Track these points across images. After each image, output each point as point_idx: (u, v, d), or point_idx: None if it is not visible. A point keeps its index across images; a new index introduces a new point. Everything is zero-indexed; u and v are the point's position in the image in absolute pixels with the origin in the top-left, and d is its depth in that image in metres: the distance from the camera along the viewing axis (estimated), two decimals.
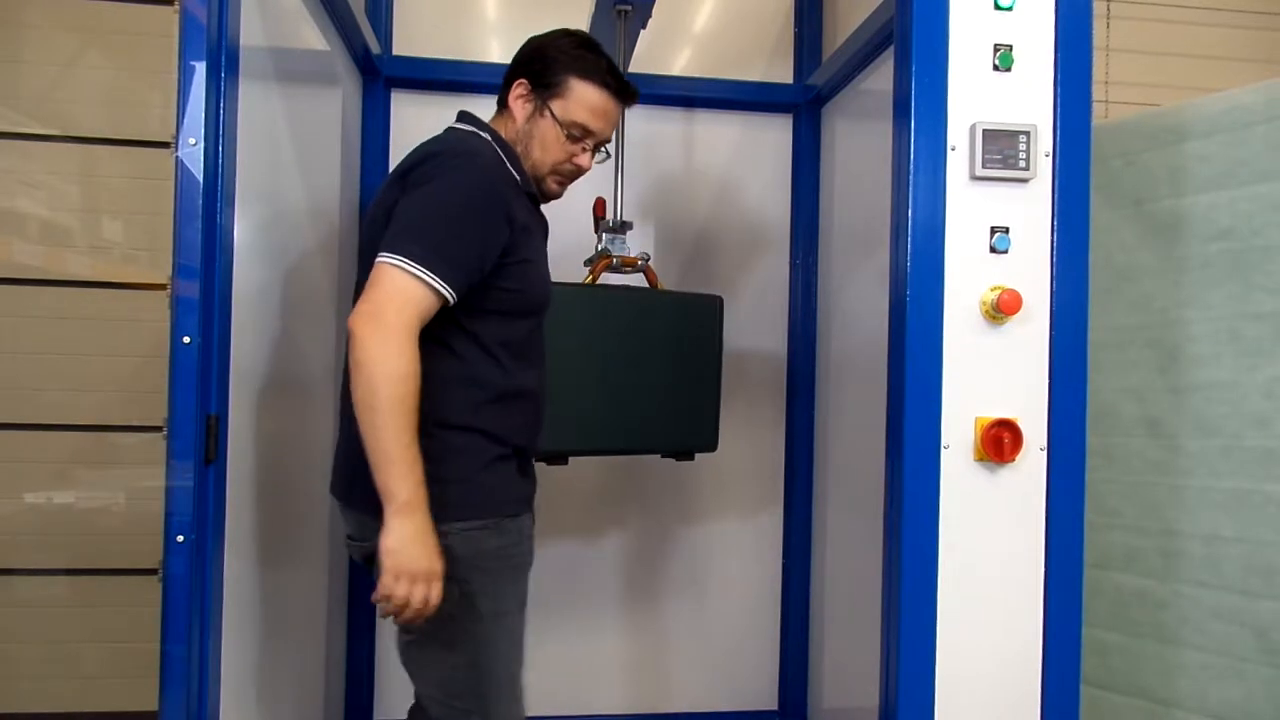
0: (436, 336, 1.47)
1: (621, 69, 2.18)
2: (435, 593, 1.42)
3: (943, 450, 1.60)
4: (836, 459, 2.48)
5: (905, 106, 1.62)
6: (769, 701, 2.72)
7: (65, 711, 2.93)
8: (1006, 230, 1.62)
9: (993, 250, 1.62)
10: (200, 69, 1.34)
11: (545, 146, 1.62)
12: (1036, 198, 1.63)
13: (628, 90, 1.67)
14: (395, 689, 2.52)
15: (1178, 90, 3.32)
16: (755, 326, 2.67)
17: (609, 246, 2.18)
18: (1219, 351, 1.94)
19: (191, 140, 1.34)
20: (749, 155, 2.69)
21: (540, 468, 1.75)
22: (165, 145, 2.28)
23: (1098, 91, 1.71)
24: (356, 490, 1.51)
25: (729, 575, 2.70)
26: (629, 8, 2.14)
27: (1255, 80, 1.95)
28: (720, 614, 2.70)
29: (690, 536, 2.69)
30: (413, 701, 1.66)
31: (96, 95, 3.00)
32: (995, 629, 1.61)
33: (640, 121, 2.49)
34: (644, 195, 2.60)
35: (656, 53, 2.62)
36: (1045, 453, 1.62)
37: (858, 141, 2.39)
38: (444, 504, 1.45)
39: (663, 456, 2.22)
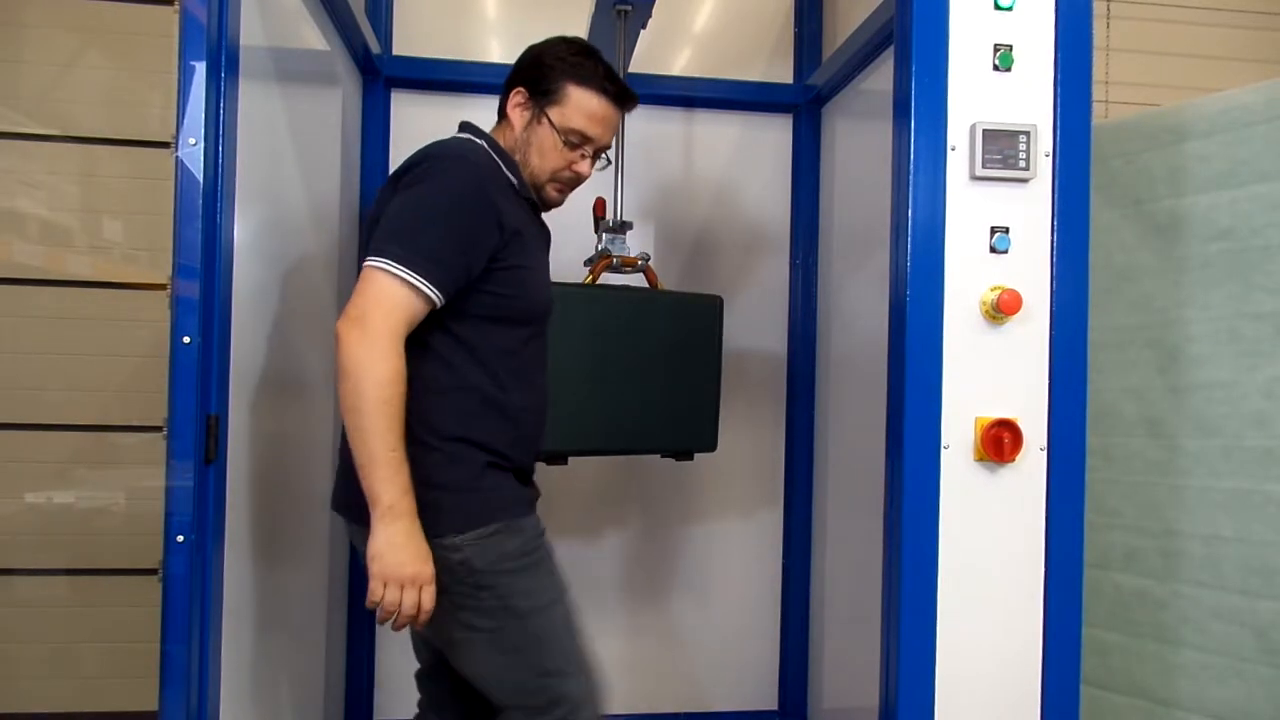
0: (426, 342, 1.46)
1: (621, 69, 2.19)
2: (427, 597, 1.40)
3: (943, 450, 1.60)
4: (836, 459, 2.48)
5: (905, 106, 1.62)
6: (769, 701, 2.72)
7: (65, 711, 2.93)
8: (1006, 230, 1.62)
9: (993, 250, 1.62)
10: (200, 69, 1.34)
11: (543, 154, 1.61)
12: (1036, 198, 1.63)
13: (627, 96, 1.66)
14: (395, 689, 2.52)
15: (1178, 90, 3.32)
16: (755, 326, 2.67)
17: (609, 246, 2.18)
18: (1219, 351, 1.94)
19: (191, 140, 1.34)
20: (749, 155, 2.69)
21: (540, 468, 1.74)
22: (165, 145, 2.28)
23: (1098, 91, 1.71)
24: (354, 503, 1.49)
25: (729, 575, 2.70)
26: (629, 8, 2.14)
27: (1255, 80, 1.95)
28: (720, 614, 2.70)
29: (690, 536, 2.69)
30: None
31: (96, 95, 3.00)
32: (995, 629, 1.61)
33: (640, 122, 2.49)
34: (644, 195, 2.60)
35: (656, 53, 2.62)
36: (1045, 453, 1.62)
37: (858, 141, 2.39)
38: (450, 514, 1.45)
39: (662, 456, 2.22)
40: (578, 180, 1.67)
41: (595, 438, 2.06)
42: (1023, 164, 1.61)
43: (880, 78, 2.16)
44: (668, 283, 2.53)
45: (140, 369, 2.97)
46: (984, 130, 1.60)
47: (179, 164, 1.34)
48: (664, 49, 2.65)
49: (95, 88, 3.00)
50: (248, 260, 1.55)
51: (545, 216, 1.71)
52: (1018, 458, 1.60)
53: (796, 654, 2.65)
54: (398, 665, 2.52)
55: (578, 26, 2.27)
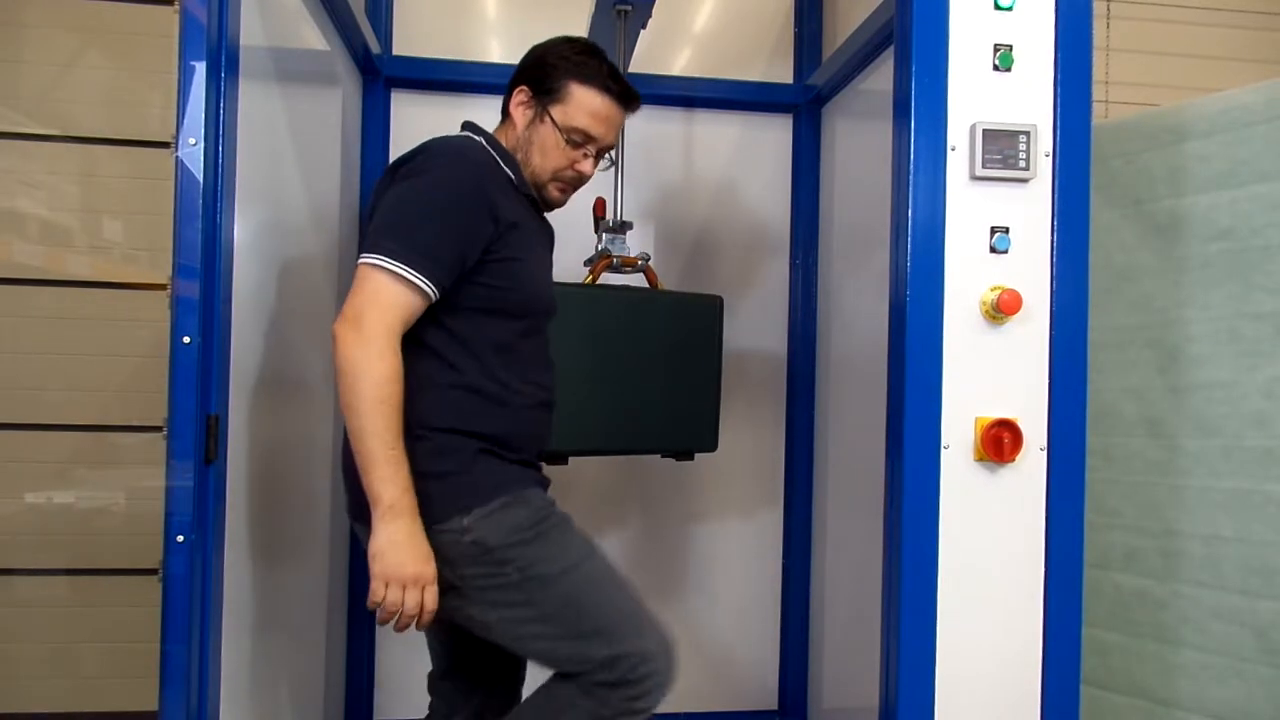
0: (419, 337, 1.46)
1: (621, 69, 2.18)
2: (429, 598, 1.39)
3: (943, 450, 1.60)
4: (836, 459, 2.48)
5: (905, 106, 1.62)
6: (769, 701, 2.72)
7: (65, 711, 2.93)
8: (1006, 230, 1.62)
9: (993, 250, 1.62)
10: (200, 69, 1.34)
11: (545, 152, 1.60)
12: (1036, 198, 1.63)
13: (630, 95, 1.64)
14: (395, 689, 2.52)
15: (1178, 90, 3.32)
16: (755, 326, 2.67)
17: (609, 246, 2.18)
18: (1219, 351, 1.94)
19: (191, 140, 1.34)
20: (749, 155, 2.69)
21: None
22: (165, 145, 2.28)
23: (1098, 91, 1.71)
24: (357, 502, 1.49)
25: (729, 575, 2.70)
26: (629, 8, 2.14)
27: (1255, 80, 1.95)
28: (720, 614, 2.70)
29: (690, 536, 2.69)
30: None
31: (96, 95, 3.00)
32: (995, 629, 1.61)
33: (640, 122, 2.48)
34: (644, 195, 2.60)
35: (656, 53, 2.62)
36: (1045, 453, 1.62)
37: (858, 141, 2.39)
38: (450, 498, 1.43)
39: (663, 457, 2.22)
40: (580, 180, 1.66)
41: (595, 438, 2.06)
42: (1023, 164, 1.61)
43: (880, 78, 2.16)
44: (668, 283, 2.53)
45: (140, 369, 2.97)
46: (984, 130, 1.60)
47: (179, 164, 1.34)
48: (664, 49, 2.65)
49: (95, 88, 3.00)
50: (248, 260, 1.55)
51: (549, 216, 1.71)
52: (1018, 458, 1.60)
53: (796, 654, 2.65)
54: (398, 665, 2.52)
55: (578, 26, 2.27)
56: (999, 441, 1.59)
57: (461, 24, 2.61)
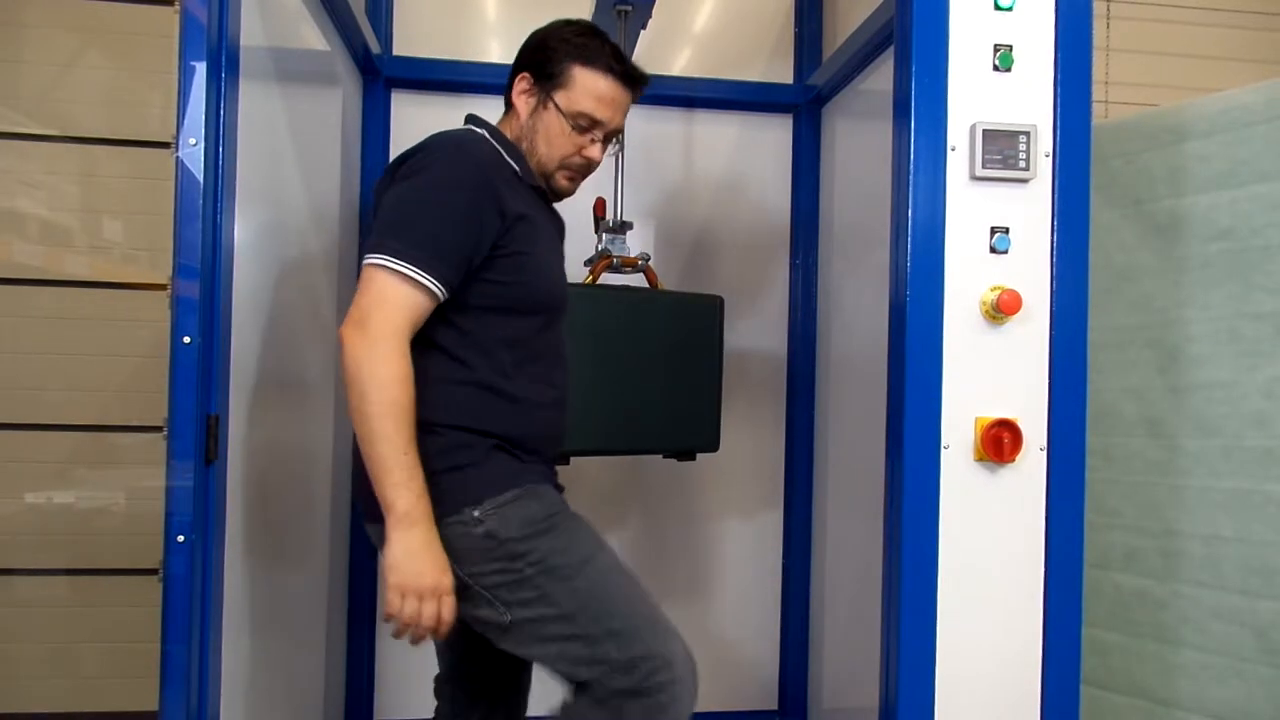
0: (428, 336, 1.42)
1: None
2: (447, 609, 1.35)
3: (943, 450, 1.60)
4: (836, 459, 2.48)
5: (905, 106, 1.62)
6: (769, 701, 2.72)
7: (65, 711, 2.93)
8: (1006, 230, 1.62)
9: (993, 250, 1.62)
10: (200, 69, 1.34)
11: (551, 140, 1.55)
12: (1036, 198, 1.63)
13: (635, 76, 1.58)
14: (395, 689, 2.52)
15: (1178, 90, 3.32)
16: (755, 326, 2.67)
17: (609, 246, 2.18)
18: (1219, 351, 1.94)
19: (191, 140, 1.34)
20: (749, 155, 2.69)
21: None
22: (165, 145, 2.28)
23: (1098, 91, 1.71)
24: (360, 499, 1.48)
25: (729, 575, 2.71)
26: (629, 8, 2.14)
27: (1255, 80, 1.95)
28: (720, 614, 2.70)
29: (690, 536, 2.69)
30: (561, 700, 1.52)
31: (96, 95, 3.00)
32: (995, 629, 1.61)
33: (640, 122, 2.49)
34: (644, 195, 2.60)
35: (656, 53, 2.62)
36: (1045, 453, 1.62)
37: (858, 141, 2.39)
38: (461, 490, 1.40)
39: (664, 457, 2.22)
40: (588, 167, 1.61)
41: (597, 438, 2.06)
42: (1023, 164, 1.61)
43: (880, 78, 2.16)
44: (668, 283, 2.53)
45: (140, 369, 2.97)
46: (984, 130, 1.60)
47: (179, 164, 1.34)
48: (664, 49, 2.65)
49: (95, 88, 3.00)
50: (248, 260, 1.55)
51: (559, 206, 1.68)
52: (1018, 458, 1.60)
53: (796, 654, 2.65)
54: (398, 665, 2.52)
55: None
56: (999, 441, 1.59)
57: (461, 24, 2.61)
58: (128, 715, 2.89)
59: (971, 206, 1.62)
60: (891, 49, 1.76)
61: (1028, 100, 1.64)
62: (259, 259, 1.64)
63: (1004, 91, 1.63)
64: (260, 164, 1.61)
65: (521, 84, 1.59)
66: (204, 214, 1.34)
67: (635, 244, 2.28)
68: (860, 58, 2.24)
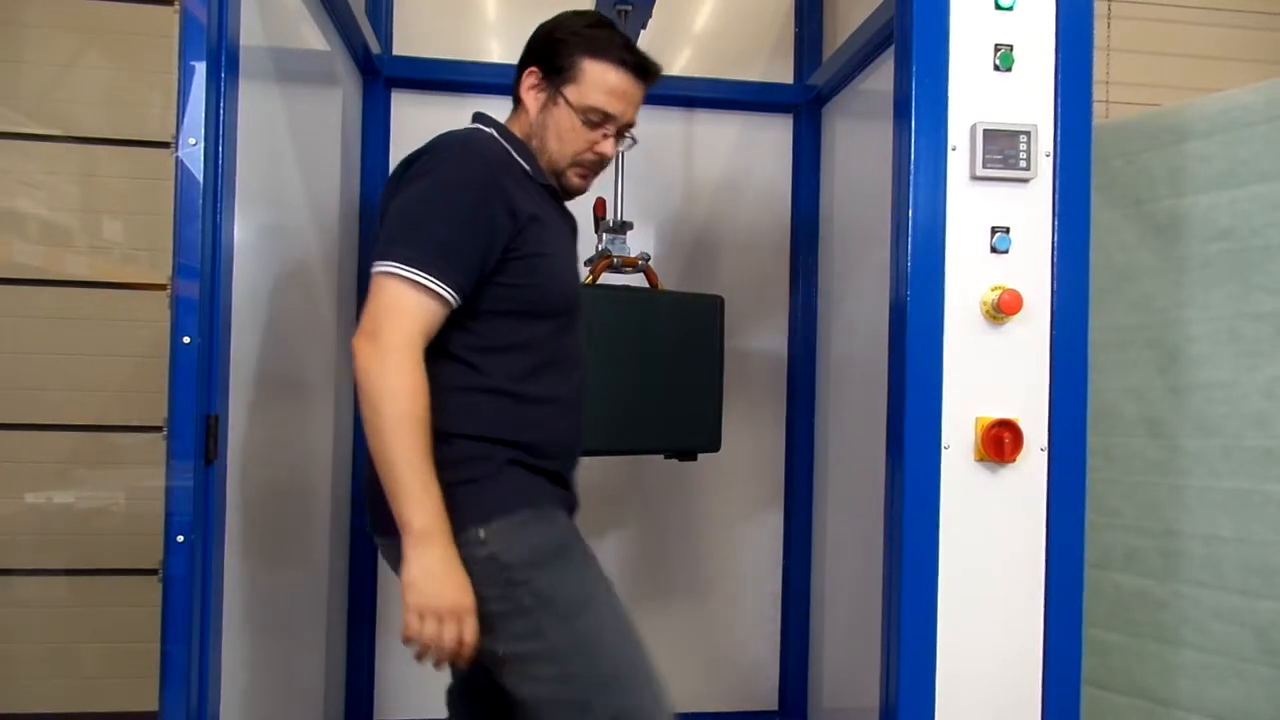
0: (440, 343, 1.37)
1: None
2: (469, 630, 1.29)
3: (943, 450, 1.60)
4: (836, 459, 2.47)
5: (905, 106, 1.62)
6: (769, 701, 2.72)
7: (65, 711, 2.93)
8: (1007, 230, 1.62)
9: (993, 250, 1.62)
10: (200, 69, 1.34)
11: (562, 136, 1.50)
12: (1037, 198, 1.63)
13: (647, 67, 1.52)
14: (395, 689, 2.52)
15: (1178, 90, 3.32)
16: (755, 326, 2.67)
17: (609, 247, 2.18)
18: (1219, 351, 1.94)
19: (191, 140, 1.34)
20: (749, 155, 2.69)
21: None
22: (165, 145, 2.28)
23: (1098, 91, 1.70)
24: (371, 511, 1.44)
25: (729, 575, 2.70)
26: (629, 8, 2.14)
27: (1255, 80, 1.95)
28: (720, 614, 2.70)
29: (690, 536, 2.69)
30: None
31: (96, 95, 3.00)
32: (996, 629, 1.61)
33: (640, 121, 2.47)
34: (644, 195, 2.60)
35: (656, 53, 2.57)
36: (1046, 453, 1.62)
37: (858, 141, 2.39)
38: (469, 506, 1.34)
39: (665, 457, 2.22)
40: (601, 163, 1.55)
41: (598, 438, 2.05)
42: (1023, 164, 1.61)
43: (880, 78, 2.16)
44: (668, 283, 2.53)
45: (140, 369, 2.97)
46: (984, 130, 1.60)
47: (179, 164, 1.34)
48: (664, 49, 2.65)
49: (95, 88, 3.00)
50: (248, 260, 1.55)
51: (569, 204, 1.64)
52: (1018, 458, 1.60)
53: (796, 654, 2.65)
54: (398, 665, 2.52)
55: None
56: (999, 441, 1.58)
57: (461, 24, 2.60)
58: (128, 715, 2.89)
59: (972, 206, 1.62)
60: (891, 49, 1.76)
61: (1028, 100, 1.64)
62: (259, 259, 1.64)
63: (1004, 91, 1.63)
64: (260, 164, 1.61)
65: (529, 79, 1.53)
66: (204, 214, 1.34)
67: (635, 244, 2.28)
68: (860, 58, 2.24)
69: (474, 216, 1.36)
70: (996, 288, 1.59)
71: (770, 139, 2.69)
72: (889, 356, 1.67)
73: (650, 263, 2.24)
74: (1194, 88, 3.11)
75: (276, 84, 1.71)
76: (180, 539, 1.33)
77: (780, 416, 2.70)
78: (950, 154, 1.61)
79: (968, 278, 1.61)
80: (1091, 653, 2.04)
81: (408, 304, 1.31)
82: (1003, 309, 1.57)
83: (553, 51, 1.51)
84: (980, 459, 1.60)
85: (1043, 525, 1.62)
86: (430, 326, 1.33)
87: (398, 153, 2.48)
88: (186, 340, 1.34)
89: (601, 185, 2.12)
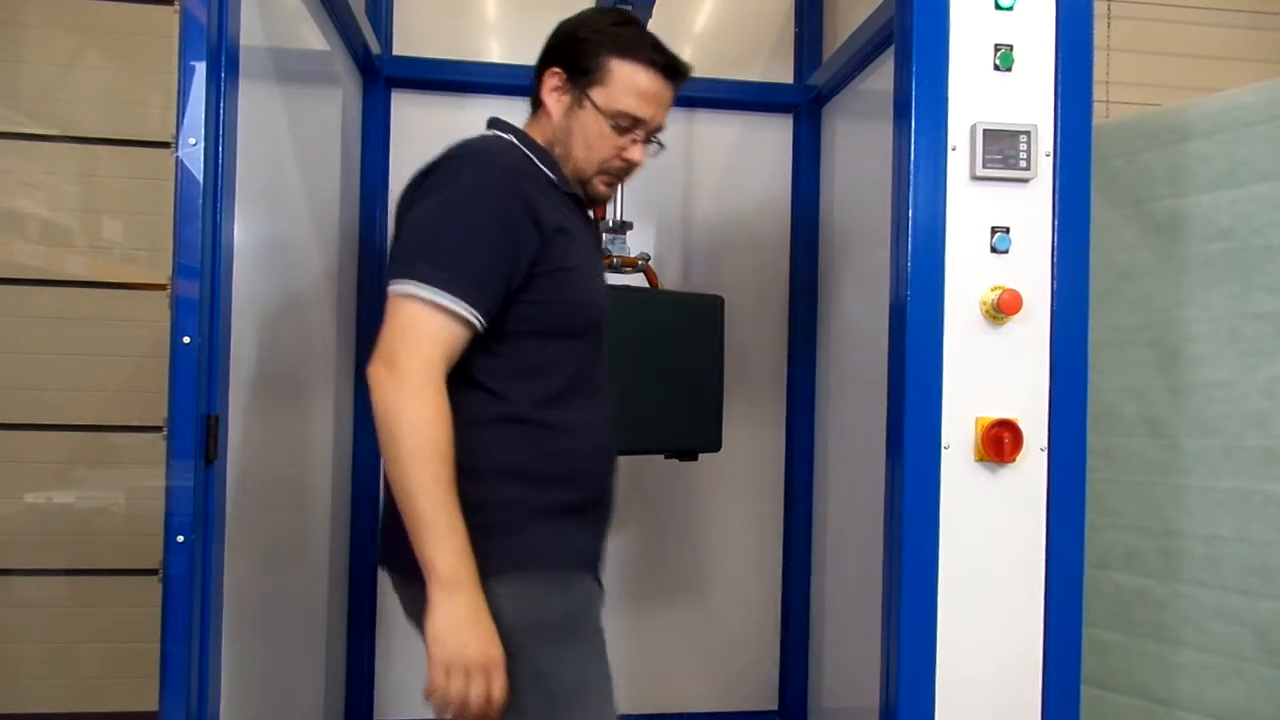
0: (462, 367, 1.28)
1: None
2: (497, 686, 1.20)
3: (943, 450, 1.60)
4: (836, 459, 2.47)
5: (905, 106, 1.62)
6: (769, 701, 2.72)
7: (65, 711, 2.93)
8: (1007, 230, 1.62)
9: (993, 250, 1.62)
10: (200, 69, 1.34)
11: (589, 142, 1.40)
12: (1037, 198, 1.63)
13: (678, 67, 1.42)
14: (395, 690, 2.52)
15: (1178, 90, 3.32)
16: (755, 326, 2.67)
17: (609, 246, 2.18)
18: (1219, 351, 1.94)
19: (191, 140, 1.34)
20: (749, 155, 2.69)
21: None
22: (165, 145, 2.28)
23: (1098, 91, 1.70)
24: (385, 546, 1.36)
25: (729, 575, 2.70)
26: (629, 7, 2.14)
27: (1255, 80, 1.95)
28: (720, 614, 2.70)
29: (690, 536, 2.69)
30: None
31: (96, 95, 3.00)
32: (996, 629, 1.61)
33: None
34: (644, 195, 2.60)
35: None
36: (1046, 453, 1.62)
37: (858, 141, 2.39)
38: (488, 554, 1.24)
39: (666, 457, 2.22)
40: (629, 169, 1.45)
41: None
42: (1023, 164, 1.61)
43: (880, 78, 2.16)
44: (668, 283, 2.53)
45: (140, 369, 2.97)
46: (984, 130, 1.60)
47: (179, 164, 1.34)
48: None
49: (95, 88, 3.00)
50: (248, 260, 1.55)
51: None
52: (1018, 458, 1.60)
53: (796, 654, 2.65)
54: (398, 665, 2.52)
55: None
56: (999, 442, 1.58)
57: (461, 24, 2.60)
58: (128, 715, 2.89)
59: (972, 206, 1.62)
60: (891, 49, 1.76)
61: (1028, 100, 1.64)
62: (259, 259, 1.64)
63: (1004, 91, 1.63)
64: (260, 164, 1.60)
65: (552, 80, 1.42)
66: (204, 214, 1.34)
67: (635, 244, 2.28)
68: (860, 58, 2.24)
69: (497, 230, 1.26)
70: (996, 288, 1.59)
71: (770, 139, 2.69)
72: (889, 356, 1.67)
73: (650, 263, 2.24)
74: (1194, 88, 3.11)
75: (276, 84, 1.71)
76: (180, 539, 1.32)
77: (780, 416, 2.70)
78: (950, 154, 1.61)
79: (968, 278, 1.61)
80: (1091, 653, 2.04)
81: (427, 327, 1.21)
82: (1003, 309, 1.57)
83: (577, 51, 1.40)
84: (980, 459, 1.60)
85: (1043, 525, 1.62)
86: (452, 351, 1.24)
87: (398, 153, 2.48)
88: (186, 340, 1.34)
89: None
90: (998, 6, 1.62)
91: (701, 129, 2.67)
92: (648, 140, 1.45)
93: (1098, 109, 1.72)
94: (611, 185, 1.48)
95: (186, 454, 1.33)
